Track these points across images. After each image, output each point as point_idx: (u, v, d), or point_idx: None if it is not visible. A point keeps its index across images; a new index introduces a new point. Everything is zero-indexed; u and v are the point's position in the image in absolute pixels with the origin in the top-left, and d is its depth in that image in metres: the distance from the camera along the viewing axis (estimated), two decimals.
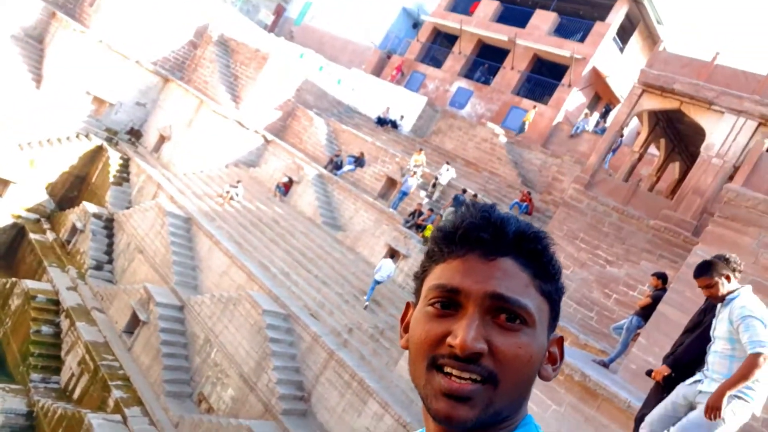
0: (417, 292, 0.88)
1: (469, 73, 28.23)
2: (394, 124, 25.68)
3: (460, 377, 0.76)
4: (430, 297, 0.82)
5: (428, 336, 0.80)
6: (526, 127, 24.18)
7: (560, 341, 0.87)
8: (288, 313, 14.82)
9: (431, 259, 0.86)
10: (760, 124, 13.94)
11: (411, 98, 26.33)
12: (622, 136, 18.80)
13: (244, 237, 18.29)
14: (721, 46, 24.09)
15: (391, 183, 21.07)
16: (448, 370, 0.77)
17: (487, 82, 27.37)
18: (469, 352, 0.75)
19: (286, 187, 21.05)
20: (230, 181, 21.47)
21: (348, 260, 17.58)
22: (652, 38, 25.19)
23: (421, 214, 17.98)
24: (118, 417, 13.46)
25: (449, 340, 0.77)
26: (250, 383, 13.88)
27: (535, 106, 24.62)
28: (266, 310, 14.37)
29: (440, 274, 0.82)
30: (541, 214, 18.90)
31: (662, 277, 10.25)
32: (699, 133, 15.56)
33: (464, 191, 18.88)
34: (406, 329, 0.89)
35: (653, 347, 9.61)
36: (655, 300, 9.88)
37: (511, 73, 26.43)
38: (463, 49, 28.22)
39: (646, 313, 9.92)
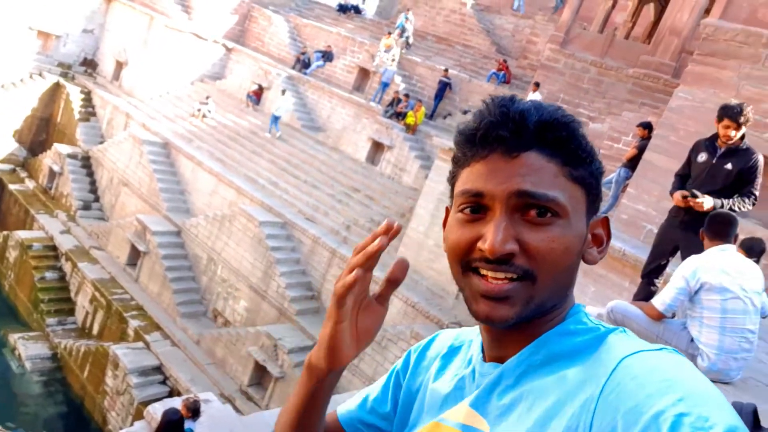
0: (451, 197, 0.87)
1: None
2: (357, 10, 24.46)
3: (495, 278, 0.76)
4: (459, 203, 0.81)
5: (460, 242, 0.79)
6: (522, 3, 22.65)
7: (605, 222, 0.84)
8: (284, 221, 14.96)
9: (456, 164, 0.84)
10: None
11: None
12: None
13: (225, 153, 18.02)
14: None
15: (364, 73, 20.43)
16: (483, 272, 0.77)
17: None
18: (499, 255, 0.74)
19: (257, 95, 20.42)
20: (199, 98, 20.77)
21: (333, 160, 17.47)
22: None
23: (399, 101, 17.61)
24: (140, 344, 14.00)
25: (479, 244, 0.76)
26: (260, 292, 14.30)
27: None
28: (262, 221, 14.49)
29: (465, 179, 0.81)
30: (519, 81, 18.55)
31: (648, 127, 10.27)
32: None
33: (446, 70, 18.33)
34: None
35: (642, 195, 9.83)
36: (641, 150, 9.96)
37: None
38: None
39: (633, 164, 10.04)
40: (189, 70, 22.01)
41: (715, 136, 4.33)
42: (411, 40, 20.71)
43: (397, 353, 11.72)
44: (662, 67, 14.26)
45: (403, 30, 20.44)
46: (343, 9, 24.48)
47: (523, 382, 0.78)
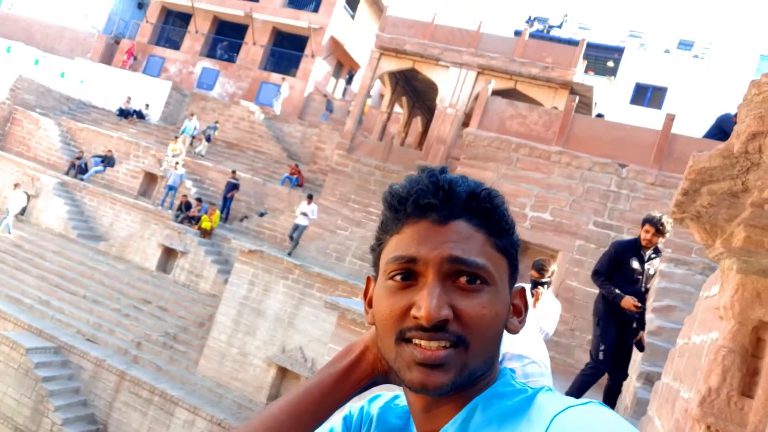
0: (375, 266, 0.85)
1: (211, 52, 27.13)
2: (140, 115, 23.63)
3: (429, 346, 0.75)
4: (390, 270, 0.80)
5: (392, 311, 0.78)
6: (279, 104, 23.99)
7: (522, 292, 0.87)
8: (59, 345, 13.02)
9: (385, 231, 0.83)
10: (479, 73, 16.09)
11: (153, 84, 24.44)
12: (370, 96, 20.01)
13: None
14: (438, 5, 26.85)
15: (151, 178, 19.52)
16: (416, 341, 0.76)
17: (231, 60, 26.64)
18: (435, 321, 0.74)
19: None
20: None
21: (118, 271, 15.98)
22: (377, 4, 27.01)
23: (189, 206, 17.06)
24: None
25: (413, 312, 0.76)
26: None
27: (283, 79, 24.70)
28: (30, 348, 12.42)
29: (396, 245, 0.80)
30: (311, 184, 19.38)
31: None
32: (432, 88, 17.38)
33: (234, 172, 18.41)
34: (370, 304, 0.86)
35: None
36: None
37: (254, 49, 26.11)
38: (200, 28, 26.95)
39: None
40: None
41: (637, 242, 4.99)
42: (216, 133, 21.82)
43: None
44: None
45: (206, 129, 21.42)
46: (124, 114, 23.47)
47: None
